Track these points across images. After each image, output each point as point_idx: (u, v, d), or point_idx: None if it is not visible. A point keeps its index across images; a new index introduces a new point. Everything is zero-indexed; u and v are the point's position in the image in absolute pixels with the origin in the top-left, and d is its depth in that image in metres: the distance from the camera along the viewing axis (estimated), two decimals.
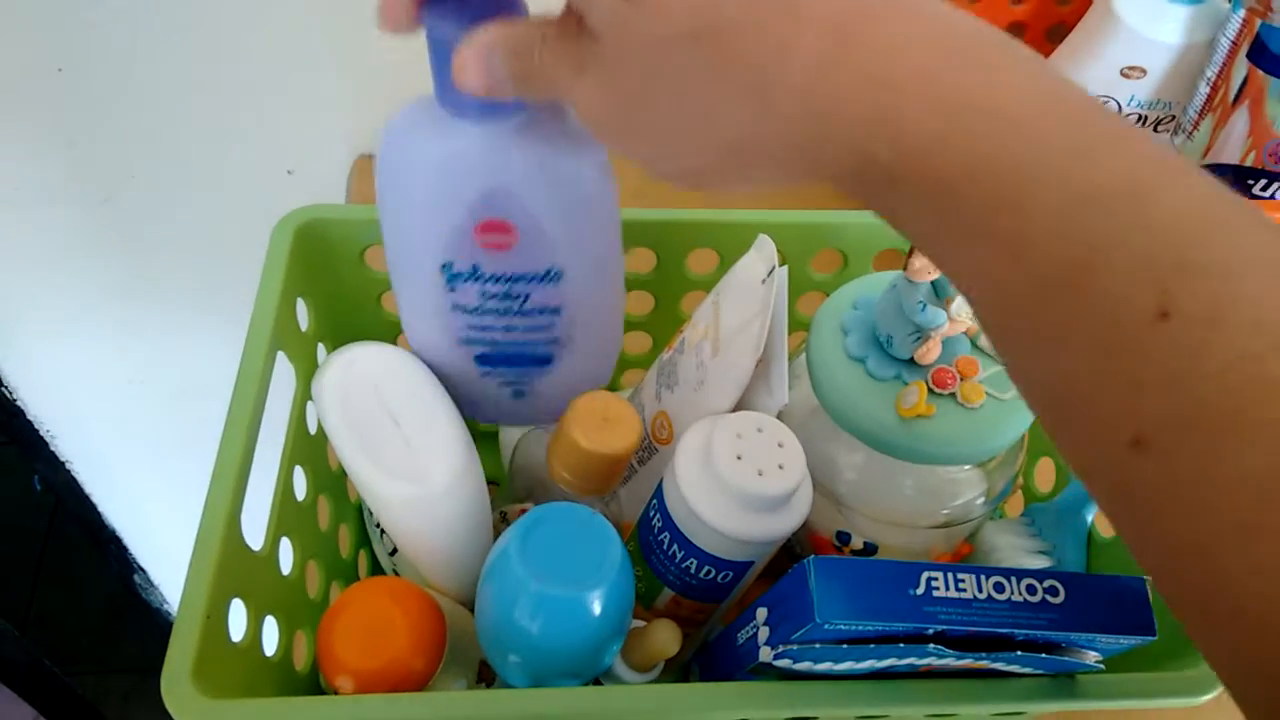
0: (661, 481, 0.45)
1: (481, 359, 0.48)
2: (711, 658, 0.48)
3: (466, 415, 0.50)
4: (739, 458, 0.42)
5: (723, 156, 0.29)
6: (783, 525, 0.42)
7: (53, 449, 1.15)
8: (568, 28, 0.31)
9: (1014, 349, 0.28)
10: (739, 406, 0.47)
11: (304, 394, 0.50)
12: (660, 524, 0.45)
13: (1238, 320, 0.23)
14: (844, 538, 0.50)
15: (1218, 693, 0.40)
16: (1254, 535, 0.23)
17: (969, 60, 0.26)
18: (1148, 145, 0.26)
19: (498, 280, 0.44)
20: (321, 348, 0.53)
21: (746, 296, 0.48)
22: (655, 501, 0.45)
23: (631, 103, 0.30)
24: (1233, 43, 0.63)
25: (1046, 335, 0.26)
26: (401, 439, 0.45)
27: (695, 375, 0.48)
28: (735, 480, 0.41)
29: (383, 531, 0.56)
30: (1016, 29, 0.77)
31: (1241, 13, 0.62)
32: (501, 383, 0.50)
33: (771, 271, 0.47)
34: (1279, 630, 0.23)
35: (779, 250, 0.55)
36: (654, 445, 0.51)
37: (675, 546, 0.44)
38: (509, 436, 0.61)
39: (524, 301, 0.45)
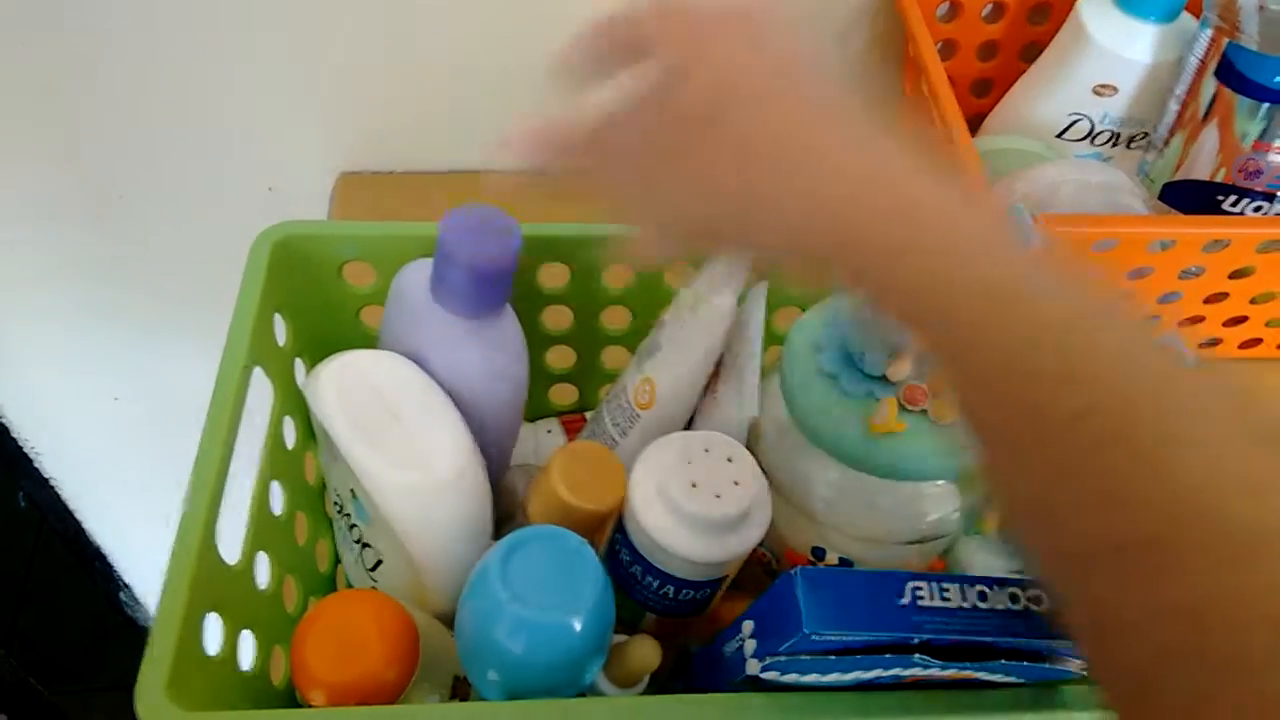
0: (622, 520, 0.45)
1: None
2: (696, 672, 0.48)
3: None
4: (694, 485, 0.43)
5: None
6: (753, 536, 0.43)
7: (37, 465, 1.15)
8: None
9: None
10: (704, 421, 0.47)
11: (282, 408, 0.50)
12: (629, 558, 0.45)
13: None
14: (819, 553, 0.50)
15: None
16: None
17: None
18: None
19: None
20: (299, 363, 0.54)
21: (718, 266, 0.50)
22: (619, 537, 0.46)
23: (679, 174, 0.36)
24: (1201, 61, 0.64)
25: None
26: (402, 431, 0.46)
27: (679, 335, 0.50)
28: (697, 510, 0.42)
29: (364, 546, 0.56)
30: (990, 48, 0.78)
31: (1209, 32, 0.63)
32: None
33: None
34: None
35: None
36: (635, 412, 0.52)
37: (649, 577, 0.45)
38: None
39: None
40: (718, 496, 0.42)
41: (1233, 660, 0.24)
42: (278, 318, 0.51)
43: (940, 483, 0.47)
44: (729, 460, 0.44)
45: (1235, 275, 0.66)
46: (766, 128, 0.34)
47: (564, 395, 0.66)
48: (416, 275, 0.49)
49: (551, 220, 0.53)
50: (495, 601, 0.39)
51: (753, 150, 0.34)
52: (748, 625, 0.40)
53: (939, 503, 0.48)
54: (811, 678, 0.38)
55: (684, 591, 0.44)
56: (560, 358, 0.63)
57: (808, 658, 0.37)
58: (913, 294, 0.31)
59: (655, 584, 0.44)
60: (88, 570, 1.37)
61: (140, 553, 1.36)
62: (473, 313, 0.47)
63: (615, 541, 0.46)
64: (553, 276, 0.56)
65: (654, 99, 0.36)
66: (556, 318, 0.59)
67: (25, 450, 1.12)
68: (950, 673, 0.38)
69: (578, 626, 0.39)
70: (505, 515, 0.53)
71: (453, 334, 0.48)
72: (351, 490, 0.49)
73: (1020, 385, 0.29)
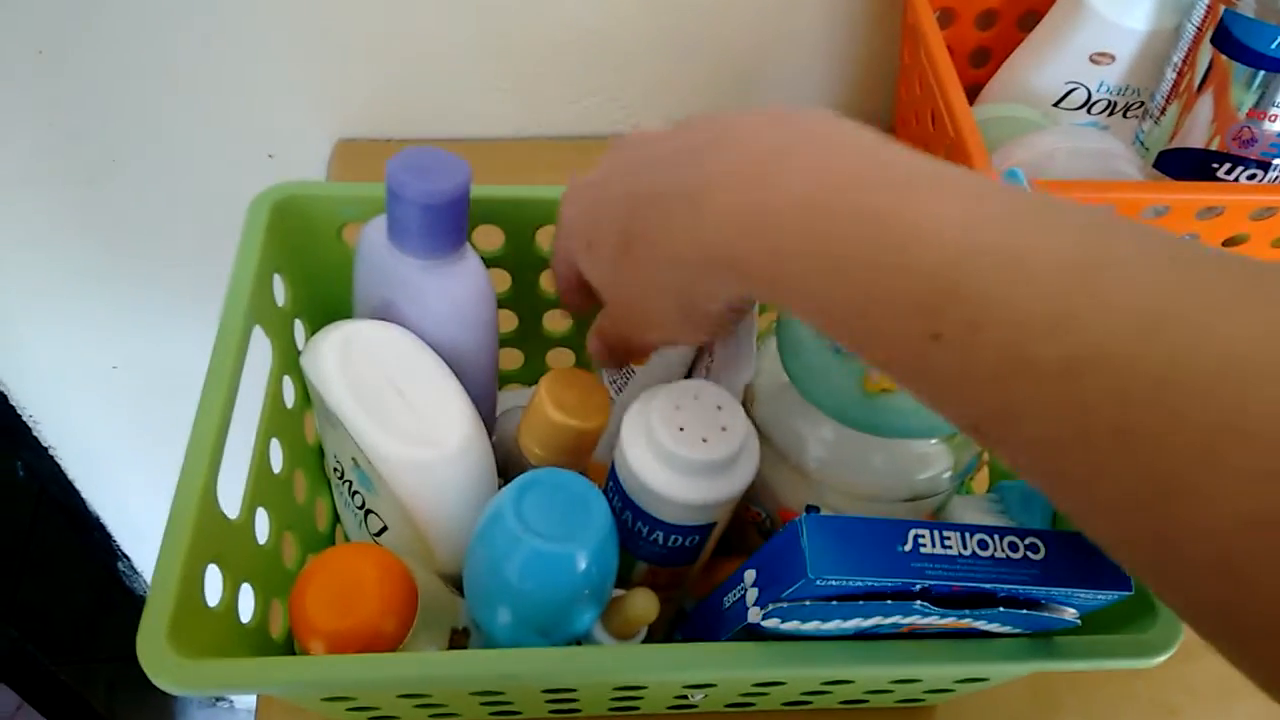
0: (614, 467, 0.46)
1: None
2: (695, 625, 0.49)
3: None
4: (681, 429, 0.43)
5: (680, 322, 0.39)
6: (739, 481, 0.43)
7: (35, 434, 1.15)
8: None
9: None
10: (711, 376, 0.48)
11: (281, 368, 0.51)
12: (620, 504, 0.46)
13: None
14: (813, 511, 0.51)
15: (1170, 653, 0.41)
16: None
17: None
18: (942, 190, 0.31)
19: None
20: (299, 324, 0.54)
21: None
22: (611, 484, 0.46)
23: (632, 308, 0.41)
24: (1198, 29, 0.64)
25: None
26: (408, 406, 0.46)
27: None
28: (683, 452, 0.42)
29: (367, 512, 0.56)
30: (988, 17, 0.78)
31: None
32: None
33: None
34: None
35: None
36: (630, 368, 0.53)
37: (639, 523, 0.45)
38: None
39: None
40: (704, 440, 0.43)
41: None
42: (277, 278, 0.51)
43: (933, 441, 0.48)
44: (718, 407, 0.44)
45: (1229, 243, 0.66)
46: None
47: (562, 361, 0.66)
48: (377, 227, 0.49)
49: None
50: (510, 535, 0.40)
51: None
52: (749, 574, 0.41)
53: (932, 461, 0.48)
54: (812, 625, 0.39)
55: (673, 538, 0.45)
56: (558, 321, 0.63)
57: (810, 603, 0.37)
58: None
59: (645, 529, 0.45)
60: (86, 540, 1.37)
61: (139, 523, 1.37)
62: (429, 252, 0.47)
63: (608, 489, 0.47)
64: (550, 239, 0.57)
65: None
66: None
67: (23, 419, 1.12)
68: (949, 621, 0.38)
69: (589, 556, 0.41)
70: (501, 468, 0.54)
71: (412, 276, 0.48)
72: (353, 458, 0.49)
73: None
